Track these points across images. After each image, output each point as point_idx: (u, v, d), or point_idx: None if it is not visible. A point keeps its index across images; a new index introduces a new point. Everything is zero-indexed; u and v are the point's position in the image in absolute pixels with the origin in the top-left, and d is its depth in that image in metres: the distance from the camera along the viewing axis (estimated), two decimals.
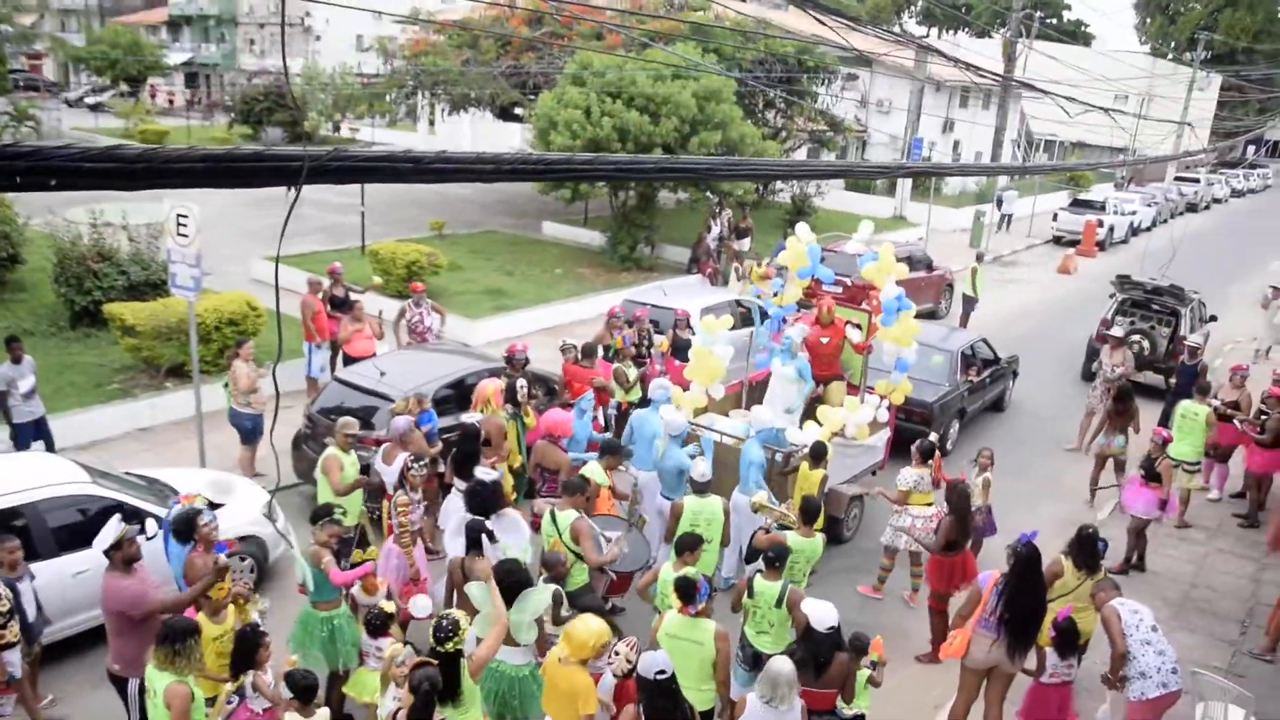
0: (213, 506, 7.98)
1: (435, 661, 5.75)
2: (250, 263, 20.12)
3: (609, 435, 10.66)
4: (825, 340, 11.90)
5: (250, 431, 11.60)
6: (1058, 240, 34.34)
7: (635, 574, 8.33)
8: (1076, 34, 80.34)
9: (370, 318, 13.85)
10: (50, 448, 11.22)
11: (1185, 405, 12.51)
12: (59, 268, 15.65)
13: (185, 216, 10.34)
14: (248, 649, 6.26)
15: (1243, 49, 73.51)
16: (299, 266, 19.26)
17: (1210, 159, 61.36)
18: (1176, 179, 50.01)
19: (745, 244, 23.24)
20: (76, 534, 8.02)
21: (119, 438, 12.70)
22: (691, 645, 6.50)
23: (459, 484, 9.02)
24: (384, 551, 8.27)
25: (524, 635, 6.43)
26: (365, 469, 9.25)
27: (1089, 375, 16.25)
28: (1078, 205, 35.81)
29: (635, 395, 12.51)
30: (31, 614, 7.23)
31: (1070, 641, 7.44)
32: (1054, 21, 78.87)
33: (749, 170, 8.76)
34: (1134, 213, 37.32)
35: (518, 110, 30.71)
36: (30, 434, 11.10)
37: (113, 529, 6.60)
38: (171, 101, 64.28)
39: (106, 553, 6.59)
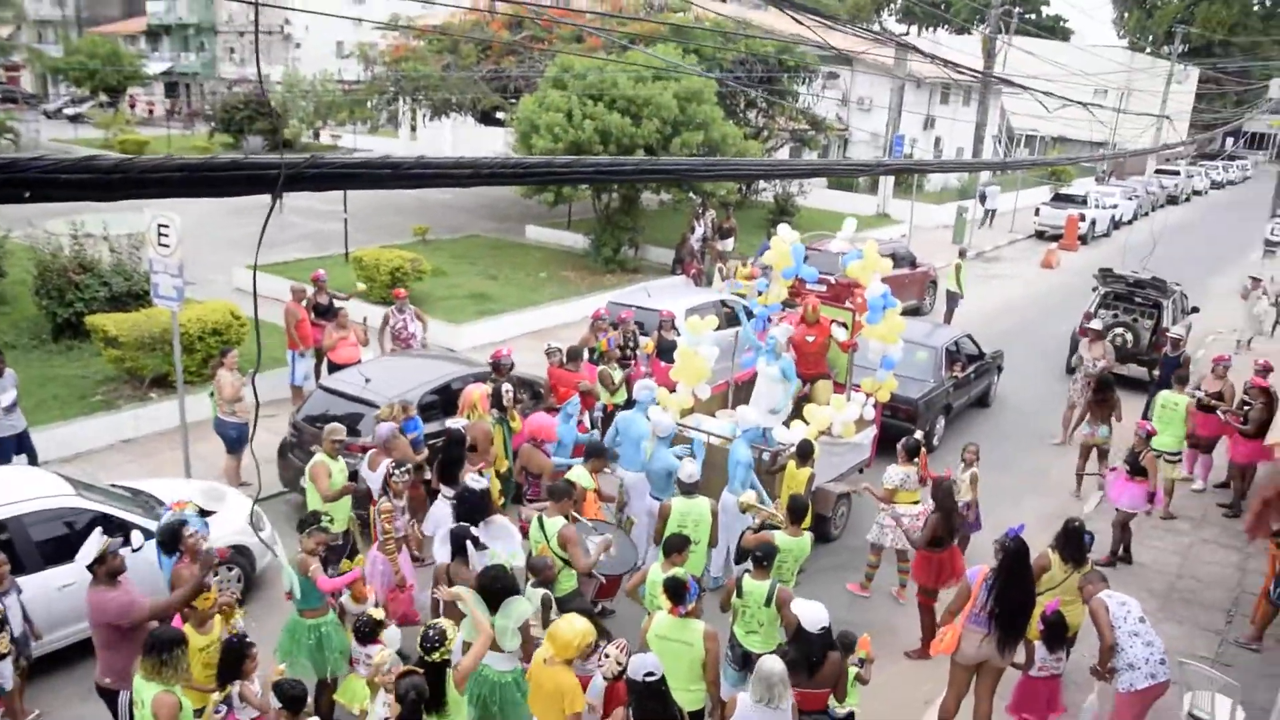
0: (203, 514, 7.97)
1: (421, 671, 5.74)
2: (233, 271, 20.05)
3: (594, 435, 10.64)
4: (811, 339, 11.92)
5: (235, 440, 11.56)
6: (1040, 235, 34.49)
7: (624, 577, 8.33)
8: (1055, 29, 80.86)
9: (355, 325, 13.82)
10: (33, 461, 11.15)
11: (1165, 396, 12.58)
12: (40, 280, 15.54)
13: (166, 226, 10.31)
14: (234, 659, 6.25)
15: (1219, 42, 74.06)
16: (282, 274, 19.20)
17: (1189, 151, 61.74)
18: (1157, 172, 50.27)
19: (729, 244, 23.27)
20: (62, 547, 7.97)
21: (103, 449, 12.63)
22: (681, 646, 6.50)
23: (446, 491, 9.01)
24: (369, 559, 8.26)
25: (508, 642, 6.41)
26: (353, 475, 9.23)
27: (1073, 369, 16.33)
28: (1059, 200, 36.00)
29: (621, 397, 12.51)
30: (18, 628, 7.19)
31: (1059, 635, 7.48)
32: (1033, 17, 79.22)
33: (729, 170, 8.78)
34: (1115, 206, 37.51)
35: (499, 114, 30.65)
36: (12, 448, 11.02)
37: (95, 543, 6.57)
38: (151, 111, 63.92)
39: (90, 567, 6.55)
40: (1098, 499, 12.62)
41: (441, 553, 7.76)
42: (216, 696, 6.34)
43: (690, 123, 21.73)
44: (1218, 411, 12.70)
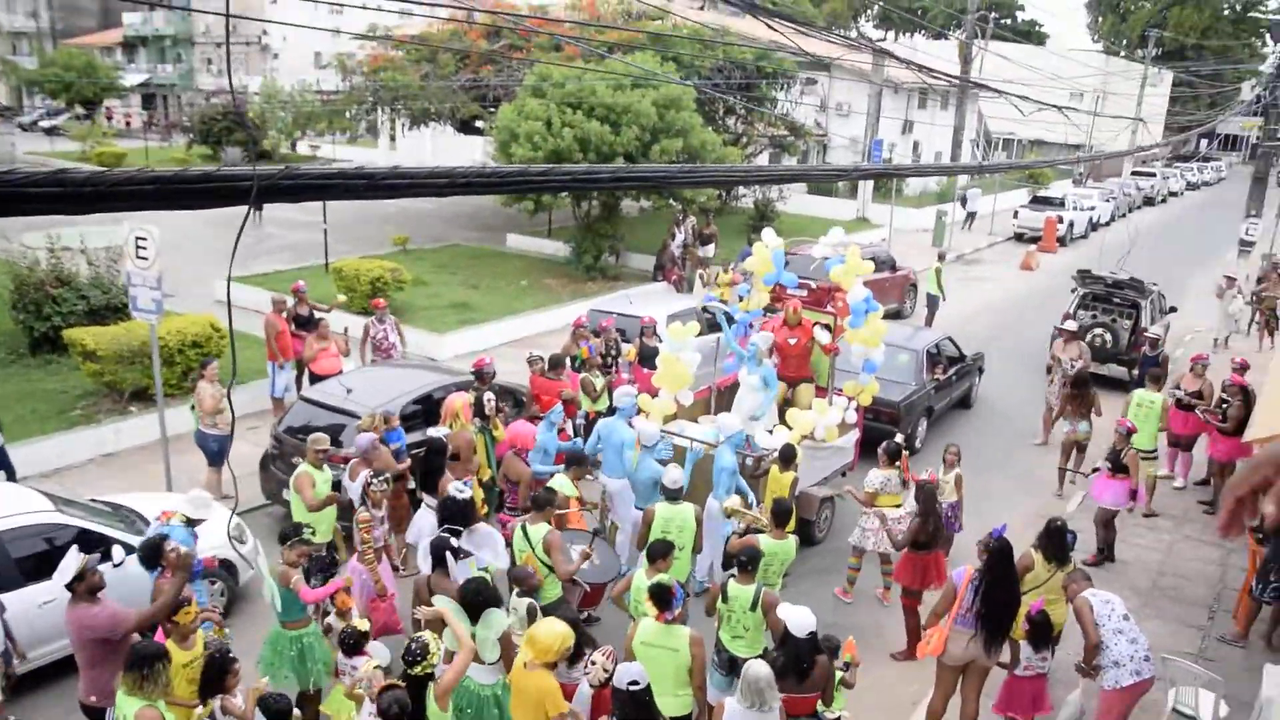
0: (191, 523, 7.91)
1: (403, 685, 5.72)
2: (213, 284, 19.91)
3: (576, 443, 10.63)
4: (793, 341, 11.95)
5: (216, 453, 11.49)
6: (1019, 237, 34.69)
7: (608, 584, 8.32)
8: (1031, 34, 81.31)
9: (336, 335, 13.76)
10: (11, 477, 11.03)
11: (1139, 394, 12.66)
12: (16, 294, 15.42)
13: (144, 239, 10.24)
14: (216, 673, 6.20)
15: (1192, 45, 74.76)
16: (262, 286, 19.11)
17: (1165, 153, 62.27)
18: (1133, 174, 50.69)
19: (710, 250, 23.30)
20: (42, 564, 7.90)
21: (83, 464, 12.53)
22: (667, 652, 6.49)
23: (429, 500, 8.98)
24: (349, 569, 8.23)
25: (488, 654, 6.38)
26: (336, 485, 9.20)
27: (1049, 369, 16.41)
28: (1037, 202, 36.24)
29: (603, 405, 12.50)
30: (0, 646, 7.12)
31: (1044, 634, 7.52)
32: (1008, 22, 79.77)
33: (705, 177, 8.76)
34: (1093, 208, 37.79)
35: (479, 123, 30.64)
36: None
37: (73, 561, 6.51)
38: (129, 123, 63.61)
39: (70, 585, 6.49)
40: (1080, 498, 12.69)
41: (425, 563, 7.73)
42: (200, 711, 6.29)
43: (669, 130, 21.78)
44: (1197, 410, 12.80)
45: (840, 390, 11.93)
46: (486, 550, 7.80)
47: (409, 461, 10.10)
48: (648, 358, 13.20)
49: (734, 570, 7.32)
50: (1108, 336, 17.33)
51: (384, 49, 30.47)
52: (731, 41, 26.11)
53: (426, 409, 11.23)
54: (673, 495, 8.55)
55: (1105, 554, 11.22)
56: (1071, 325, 15.74)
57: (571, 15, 27.95)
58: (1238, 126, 71.76)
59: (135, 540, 8.05)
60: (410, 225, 27.99)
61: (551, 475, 9.41)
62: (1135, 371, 15.65)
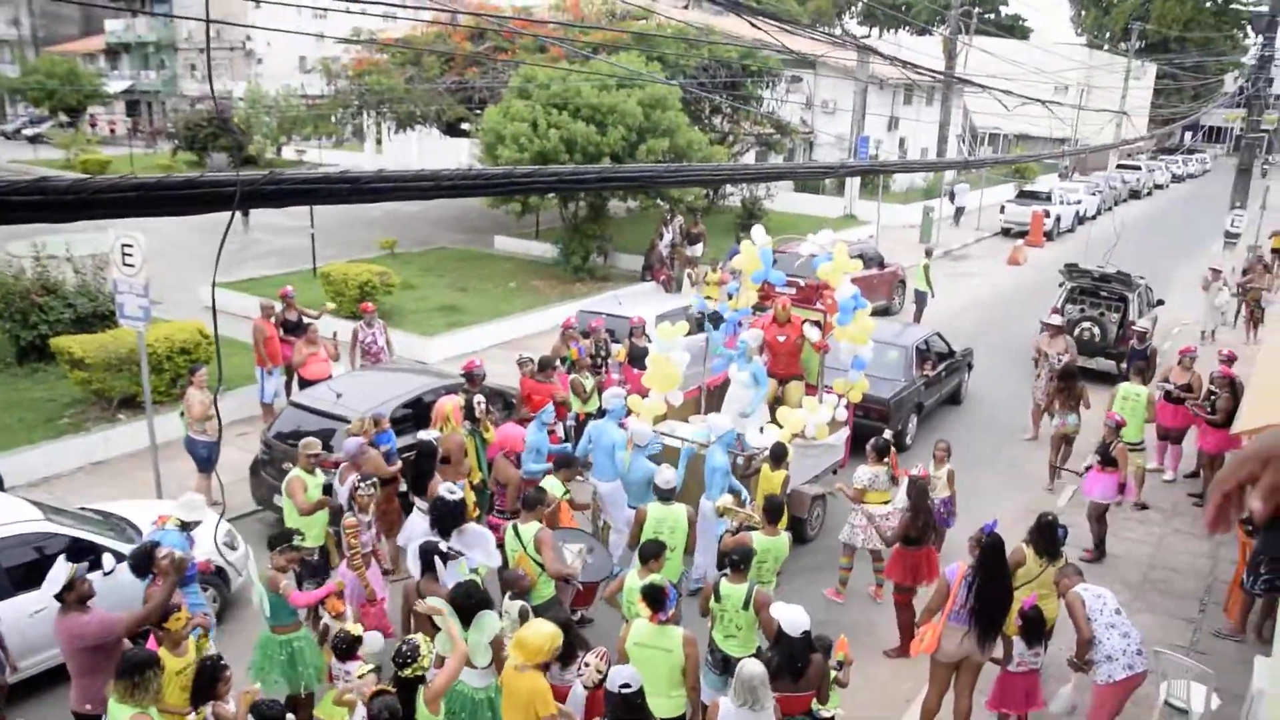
0: (185, 527, 7.88)
1: (394, 690, 5.71)
2: (200, 290, 19.86)
3: (565, 447, 10.62)
4: (783, 338, 11.96)
5: (206, 459, 11.44)
6: (1006, 232, 34.76)
7: (600, 584, 8.31)
8: (1014, 28, 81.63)
9: (326, 340, 13.72)
10: (0, 487, 10.98)
11: (1125, 387, 12.69)
12: (2, 303, 15.32)
13: (131, 246, 10.19)
14: (208, 680, 6.19)
15: (1175, 38, 75.08)
16: (250, 291, 19.07)
17: (1150, 146, 62.52)
18: (1119, 167, 50.86)
19: (698, 249, 23.32)
20: (32, 573, 7.86)
21: (72, 473, 12.48)
22: (660, 653, 6.49)
23: (420, 504, 8.96)
24: (339, 574, 8.20)
25: (480, 658, 6.37)
26: (327, 489, 9.17)
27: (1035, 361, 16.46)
28: (1024, 197, 36.31)
29: (593, 405, 12.49)
30: None
31: (1036, 630, 7.53)
32: (991, 16, 79.96)
33: (692, 176, 8.75)
34: (1079, 202, 37.87)
35: (465, 126, 30.58)
36: None
37: (62, 570, 6.47)
38: (113, 130, 63.32)
39: (59, 595, 6.46)
40: (1070, 492, 12.72)
41: (416, 567, 7.72)
42: (192, 718, 6.28)
43: (655, 129, 21.78)
44: (1186, 403, 12.84)
45: (830, 387, 11.95)
46: (478, 550, 7.78)
47: (399, 464, 10.08)
48: (637, 358, 13.20)
49: (726, 569, 7.33)
50: (1096, 330, 17.38)
51: (368, 53, 30.40)
52: (716, 40, 26.12)
53: (417, 412, 11.22)
54: (665, 496, 8.56)
55: (1100, 549, 11.23)
56: (1057, 320, 15.78)
57: (555, 16, 27.93)
58: (1221, 119, 72.04)
59: (126, 548, 8.01)
60: (397, 228, 27.94)
61: (544, 475, 9.41)
62: (1123, 365, 15.69)
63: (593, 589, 8.48)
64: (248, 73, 59.47)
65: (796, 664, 6.42)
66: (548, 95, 21.73)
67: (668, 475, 8.66)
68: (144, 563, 7.14)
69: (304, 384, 13.01)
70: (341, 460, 9.35)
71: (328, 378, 12.74)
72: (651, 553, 7.26)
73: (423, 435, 9.91)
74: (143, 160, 46.12)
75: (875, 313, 12.96)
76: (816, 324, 12.00)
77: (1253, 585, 9.37)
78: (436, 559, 7.13)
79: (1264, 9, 26.16)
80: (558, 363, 12.79)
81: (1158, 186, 52.81)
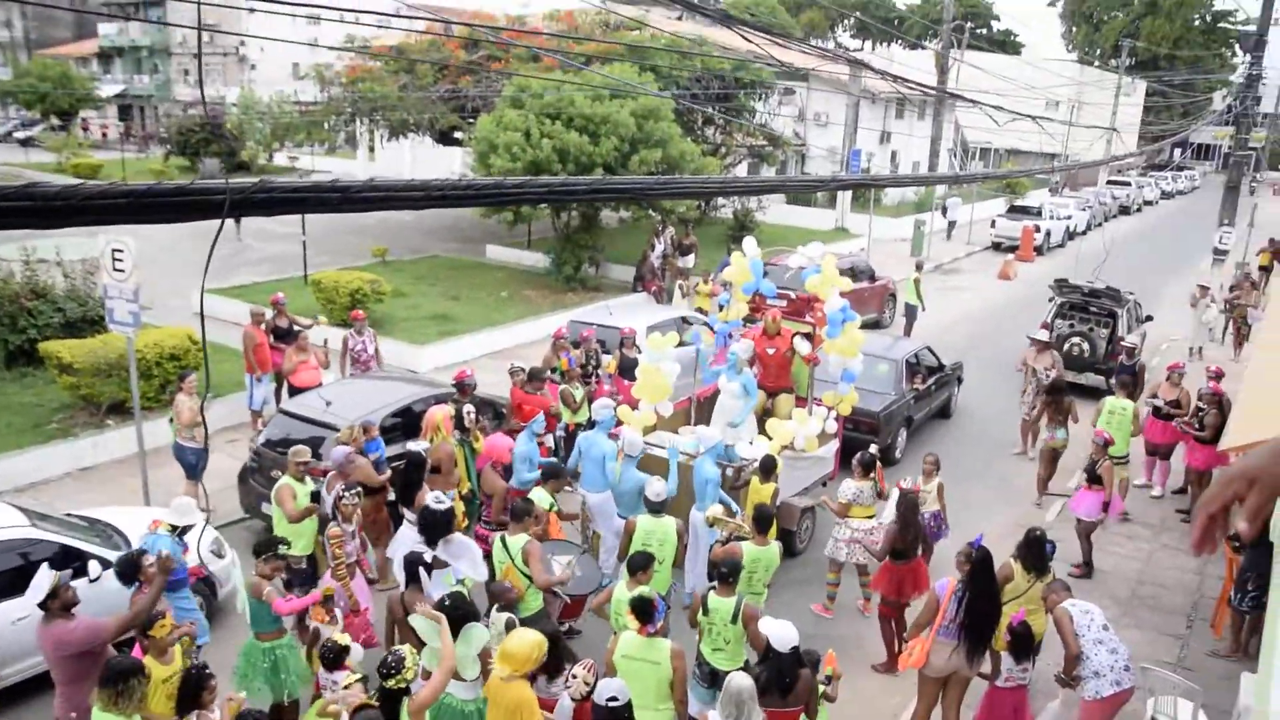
0: (176, 531, 7.85)
1: (377, 704, 5.67)
2: (192, 296, 19.80)
3: (554, 460, 10.60)
4: (772, 351, 11.97)
5: (194, 466, 11.39)
6: (996, 246, 34.87)
7: (589, 596, 8.29)
8: (1006, 44, 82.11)
9: (316, 348, 13.69)
10: None
11: (1110, 402, 12.74)
12: None
13: (121, 251, 10.16)
14: (193, 689, 6.16)
15: (1164, 55, 75.61)
16: (241, 298, 19.02)
17: (1139, 162, 62.83)
18: (1109, 183, 51.12)
19: (689, 261, 23.34)
20: (17, 579, 7.79)
21: (59, 478, 12.41)
22: (648, 665, 6.47)
23: (409, 515, 8.93)
24: (324, 583, 8.16)
25: (469, 670, 6.35)
26: (314, 496, 9.13)
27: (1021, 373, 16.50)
28: (1015, 211, 36.48)
29: (584, 416, 12.47)
30: None
31: (1025, 646, 7.52)
32: (983, 32, 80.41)
33: (684, 187, 8.77)
34: (1069, 217, 38.04)
35: (458, 134, 30.58)
36: None
37: (45, 579, 6.43)
38: (105, 134, 63.23)
39: (43, 604, 6.41)
40: (1059, 507, 12.73)
41: (404, 577, 7.69)
42: None
43: (648, 140, 21.81)
44: (1174, 420, 12.88)
45: (820, 400, 11.96)
46: (464, 561, 7.74)
47: (389, 473, 10.05)
48: (628, 369, 13.19)
49: (714, 582, 7.31)
50: (1085, 345, 17.43)
51: (362, 60, 30.40)
52: (709, 52, 26.20)
53: (406, 421, 11.18)
54: (655, 508, 8.54)
55: (1088, 566, 11.23)
56: (1043, 335, 15.83)
57: (550, 26, 27.99)
58: (1210, 136, 72.49)
59: (112, 555, 7.97)
60: (389, 237, 27.93)
61: (534, 485, 9.39)
62: (1112, 380, 15.74)
63: (581, 601, 8.45)
64: (241, 78, 59.41)
65: (785, 679, 6.40)
66: (541, 105, 21.74)
67: (658, 487, 8.64)
68: (130, 570, 7.10)
69: (294, 391, 12.97)
70: (330, 469, 9.32)
71: (318, 385, 12.70)
72: (640, 564, 7.24)
73: (412, 446, 9.89)
74: (135, 165, 46.00)
75: (865, 326, 12.96)
76: (807, 336, 12.01)
77: (1240, 602, 9.40)
78: (421, 570, 7.10)
79: (1252, 28, 26.32)
80: (548, 373, 12.78)
81: (1147, 203, 53.11)
